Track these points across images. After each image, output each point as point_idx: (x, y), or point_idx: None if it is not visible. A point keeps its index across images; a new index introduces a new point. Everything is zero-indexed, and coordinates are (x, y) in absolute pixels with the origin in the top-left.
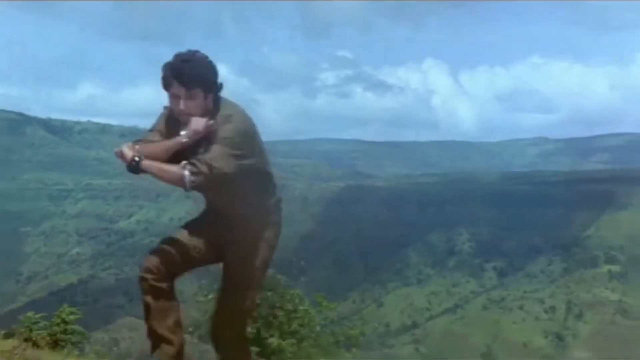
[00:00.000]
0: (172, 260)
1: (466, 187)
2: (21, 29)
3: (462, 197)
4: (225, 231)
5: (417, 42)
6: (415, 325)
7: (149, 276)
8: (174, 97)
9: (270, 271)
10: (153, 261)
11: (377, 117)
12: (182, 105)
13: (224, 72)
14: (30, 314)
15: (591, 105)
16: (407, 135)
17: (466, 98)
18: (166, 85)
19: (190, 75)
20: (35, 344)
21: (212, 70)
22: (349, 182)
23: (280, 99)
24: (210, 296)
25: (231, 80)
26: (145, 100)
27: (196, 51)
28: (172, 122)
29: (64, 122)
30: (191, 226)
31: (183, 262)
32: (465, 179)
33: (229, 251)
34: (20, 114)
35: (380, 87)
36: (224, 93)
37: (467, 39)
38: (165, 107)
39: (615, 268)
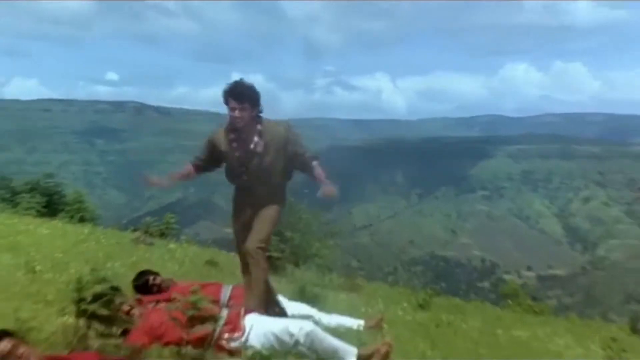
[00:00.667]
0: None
1: (401, 146)
2: None
3: (398, 153)
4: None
5: (372, 62)
6: (371, 225)
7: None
8: (231, 109)
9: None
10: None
11: (348, 105)
12: (237, 113)
13: (259, 81)
14: (148, 218)
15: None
16: (367, 116)
17: (398, 93)
18: (226, 101)
19: (241, 94)
20: (151, 235)
21: (254, 92)
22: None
23: (293, 95)
24: None
25: (262, 84)
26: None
27: (242, 79)
28: (211, 147)
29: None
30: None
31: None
32: (400, 141)
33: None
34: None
35: (351, 88)
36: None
37: (399, 61)
38: (209, 140)
39: (485, 193)
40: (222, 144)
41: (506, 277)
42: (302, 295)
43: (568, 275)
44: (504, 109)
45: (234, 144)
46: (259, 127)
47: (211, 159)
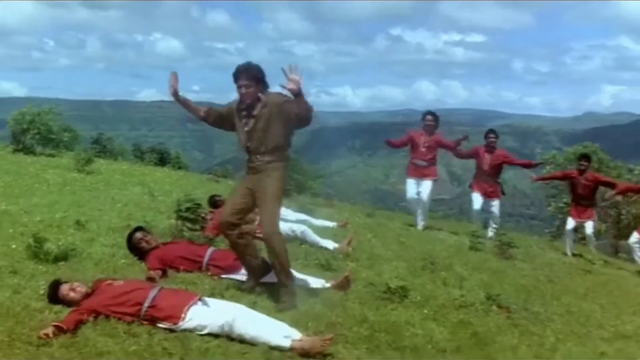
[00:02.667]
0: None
1: (358, 126)
2: None
3: (357, 130)
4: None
5: (342, 80)
6: (340, 171)
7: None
8: (239, 87)
9: None
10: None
11: (328, 104)
12: (243, 90)
13: (277, 90)
14: (216, 167)
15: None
16: (339, 109)
17: (356, 97)
18: (236, 80)
19: (248, 73)
20: (217, 176)
21: (260, 72)
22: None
23: None
24: None
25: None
26: None
27: (250, 62)
28: (226, 112)
29: None
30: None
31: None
32: (358, 123)
33: (260, 187)
34: None
35: (330, 94)
36: None
37: (357, 79)
38: (227, 106)
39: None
40: (234, 115)
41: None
42: (302, 209)
43: (449, 198)
44: (414, 106)
45: (243, 114)
46: (262, 96)
47: (220, 118)
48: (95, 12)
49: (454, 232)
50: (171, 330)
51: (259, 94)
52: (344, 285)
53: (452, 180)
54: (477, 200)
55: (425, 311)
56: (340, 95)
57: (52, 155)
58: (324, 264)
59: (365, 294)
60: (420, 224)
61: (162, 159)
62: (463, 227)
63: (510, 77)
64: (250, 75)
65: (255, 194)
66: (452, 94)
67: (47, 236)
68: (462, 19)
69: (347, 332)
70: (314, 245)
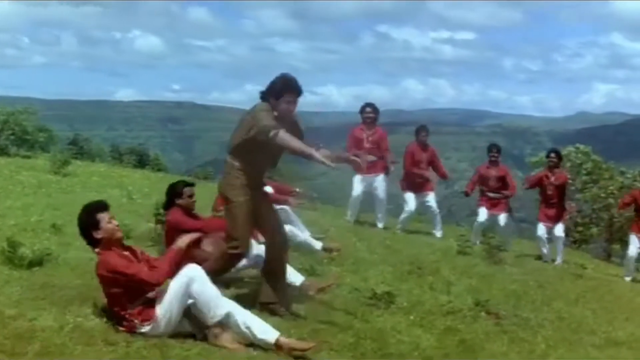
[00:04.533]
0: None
1: (343, 126)
2: None
3: (342, 129)
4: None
5: (326, 79)
6: (324, 173)
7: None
8: (288, 102)
9: None
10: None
11: (313, 103)
12: (292, 107)
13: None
14: (196, 169)
15: None
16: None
17: (341, 97)
18: (284, 93)
19: (298, 89)
20: (197, 178)
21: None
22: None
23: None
24: None
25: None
26: None
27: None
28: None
29: None
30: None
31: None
32: (343, 124)
33: (265, 199)
34: None
35: (314, 93)
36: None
37: (342, 78)
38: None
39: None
40: None
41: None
42: (286, 220)
43: (437, 200)
44: (401, 106)
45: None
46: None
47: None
48: (71, 8)
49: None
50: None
51: None
52: (325, 290)
53: (440, 181)
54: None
55: (411, 317)
56: (324, 94)
57: (27, 157)
58: (307, 268)
59: (350, 299)
60: (380, 224)
61: (141, 161)
62: (451, 230)
63: (500, 76)
64: (299, 92)
65: (262, 208)
66: (440, 93)
67: (22, 240)
68: (451, 16)
69: (332, 339)
70: (299, 247)
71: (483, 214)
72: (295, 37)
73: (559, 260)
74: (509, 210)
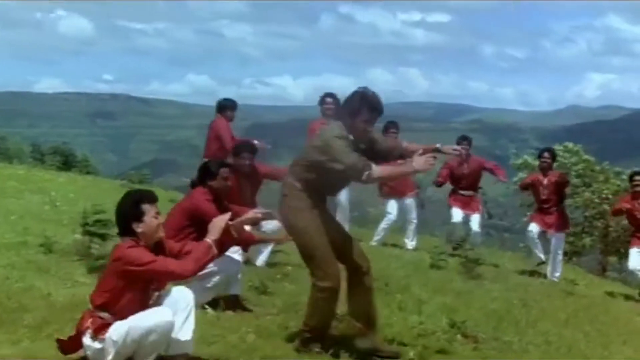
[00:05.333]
0: None
1: (300, 122)
2: None
3: (299, 126)
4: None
5: (281, 68)
6: None
7: None
8: (366, 122)
9: None
10: None
11: (265, 96)
12: (370, 127)
13: (205, 79)
14: (130, 172)
15: None
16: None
17: (298, 88)
18: (361, 111)
19: (381, 109)
20: (132, 182)
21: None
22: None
23: (228, 89)
24: None
25: (207, 82)
26: None
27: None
28: None
29: None
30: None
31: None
32: (300, 119)
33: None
34: None
35: (266, 85)
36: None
37: (299, 67)
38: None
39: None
40: None
41: (370, 209)
42: None
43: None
44: None
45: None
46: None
47: None
48: None
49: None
50: None
51: None
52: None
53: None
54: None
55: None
56: (279, 85)
57: None
58: (258, 286)
59: None
60: None
61: (67, 162)
62: (424, 240)
63: (480, 65)
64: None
65: (335, 231)
66: (411, 84)
67: None
68: None
69: None
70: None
71: (457, 214)
72: (246, 19)
73: (554, 276)
74: (483, 210)
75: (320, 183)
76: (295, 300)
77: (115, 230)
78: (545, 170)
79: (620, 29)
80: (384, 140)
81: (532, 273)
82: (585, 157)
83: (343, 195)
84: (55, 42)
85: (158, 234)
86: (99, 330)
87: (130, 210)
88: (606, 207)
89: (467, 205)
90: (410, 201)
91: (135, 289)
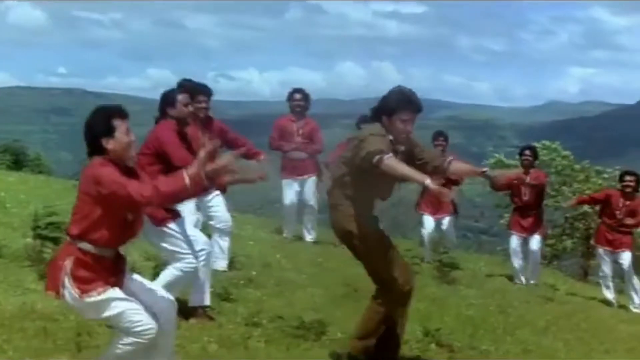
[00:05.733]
0: None
1: (266, 118)
2: None
3: (264, 124)
4: None
5: (245, 61)
6: None
7: None
8: (404, 121)
9: None
10: None
11: (228, 91)
12: (409, 127)
13: (167, 74)
14: None
15: None
16: (242, 98)
17: (264, 82)
18: (399, 110)
19: (420, 106)
20: None
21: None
22: None
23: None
24: None
25: (168, 76)
26: None
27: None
28: None
29: None
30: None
31: None
32: (266, 115)
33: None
34: None
35: (230, 78)
36: None
37: (264, 60)
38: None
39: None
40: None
41: None
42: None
43: (380, 210)
44: (337, 94)
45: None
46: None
47: None
48: None
49: None
50: None
51: None
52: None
53: None
54: (428, 221)
55: (347, 351)
56: (243, 80)
57: None
58: (220, 292)
59: (273, 330)
60: (309, 237)
61: (18, 161)
62: (396, 243)
63: (455, 58)
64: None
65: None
66: (383, 78)
67: None
68: None
69: None
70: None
71: (429, 222)
72: (208, 9)
73: (533, 281)
74: (454, 212)
75: (367, 186)
76: (260, 308)
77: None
78: (527, 168)
79: (603, 20)
80: (425, 149)
81: (511, 278)
82: (564, 153)
83: (311, 197)
84: (4, 33)
85: (129, 153)
86: (84, 290)
87: (100, 126)
88: (587, 208)
89: (437, 209)
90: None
91: (111, 214)
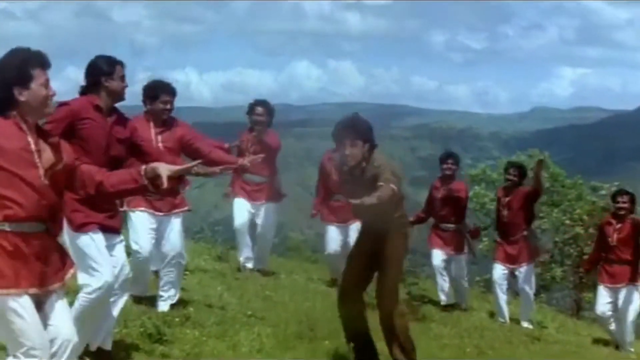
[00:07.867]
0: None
1: (209, 128)
2: None
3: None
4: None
5: (183, 59)
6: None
7: None
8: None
9: None
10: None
11: None
12: (347, 150)
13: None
14: None
15: None
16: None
17: (204, 85)
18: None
19: (354, 130)
20: None
21: (369, 128)
22: None
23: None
24: None
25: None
26: None
27: (357, 113)
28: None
29: None
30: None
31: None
32: (209, 124)
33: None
34: None
35: (167, 80)
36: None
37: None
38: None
39: None
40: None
41: (291, 234)
42: None
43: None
44: (289, 99)
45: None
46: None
47: None
48: None
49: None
50: None
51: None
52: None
53: None
54: (436, 255)
55: None
56: (180, 81)
57: None
58: (152, 332)
59: None
60: (258, 265)
61: None
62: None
63: (427, 57)
64: (355, 132)
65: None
66: (343, 81)
67: None
68: None
69: None
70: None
71: (437, 256)
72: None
73: (524, 322)
74: (469, 247)
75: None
76: (198, 350)
77: None
78: (510, 189)
79: (598, 12)
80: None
81: (492, 314)
82: (553, 169)
83: (267, 224)
84: None
85: (46, 109)
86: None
87: (14, 72)
88: (579, 230)
89: (448, 242)
90: (353, 228)
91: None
